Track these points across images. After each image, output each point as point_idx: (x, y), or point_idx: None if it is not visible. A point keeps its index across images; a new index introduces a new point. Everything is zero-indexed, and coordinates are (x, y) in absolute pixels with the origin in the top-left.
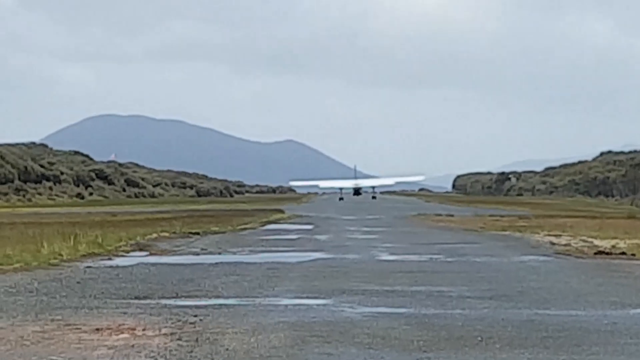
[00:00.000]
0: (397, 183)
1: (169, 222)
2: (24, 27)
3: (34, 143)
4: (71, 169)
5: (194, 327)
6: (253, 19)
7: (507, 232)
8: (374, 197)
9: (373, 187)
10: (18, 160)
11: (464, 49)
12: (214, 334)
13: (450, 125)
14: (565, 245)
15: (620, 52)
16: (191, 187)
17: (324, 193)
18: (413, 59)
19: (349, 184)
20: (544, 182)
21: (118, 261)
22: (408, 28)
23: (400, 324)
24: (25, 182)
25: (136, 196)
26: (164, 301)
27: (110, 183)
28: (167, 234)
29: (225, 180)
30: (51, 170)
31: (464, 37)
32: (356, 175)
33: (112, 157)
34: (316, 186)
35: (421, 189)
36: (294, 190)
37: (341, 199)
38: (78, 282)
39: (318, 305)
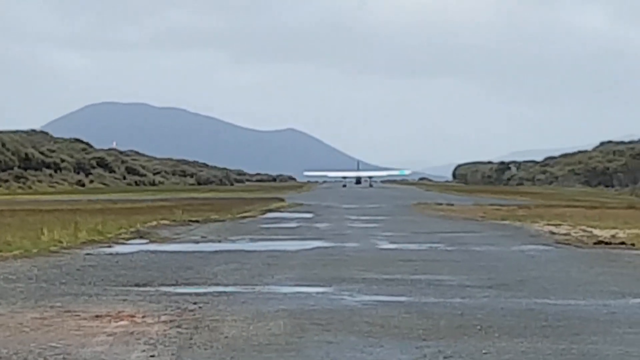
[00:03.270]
0: (388, 175)
1: (169, 210)
2: (22, 14)
3: (34, 130)
4: (71, 157)
5: (194, 314)
6: (252, 7)
7: (507, 222)
8: (370, 185)
9: (370, 177)
10: (18, 147)
11: (464, 37)
12: (214, 322)
13: (450, 115)
14: (565, 234)
15: (621, 41)
16: (191, 176)
17: (324, 182)
18: (413, 47)
19: (352, 174)
20: (544, 172)
21: (118, 249)
22: (407, 17)
23: (399, 313)
24: (25, 169)
25: (136, 184)
26: (163, 288)
27: (111, 171)
28: (167, 222)
29: (226, 169)
30: (51, 157)
31: (464, 26)
32: (359, 167)
33: (113, 145)
34: (325, 176)
35: (421, 178)
36: (294, 179)
37: (344, 186)
38: (78, 270)
39: (317, 293)
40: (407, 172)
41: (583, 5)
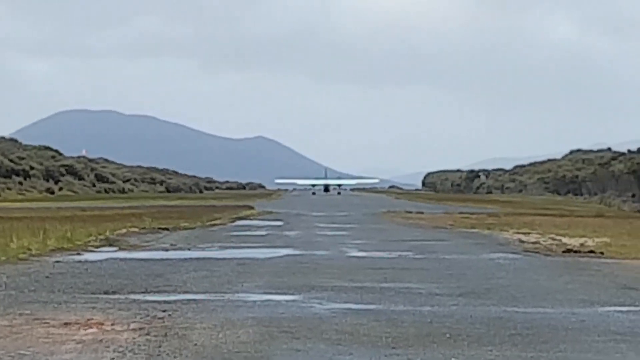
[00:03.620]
0: (357, 183)
1: (139, 217)
2: None
3: (3, 138)
4: (41, 164)
5: (163, 322)
6: (221, 14)
7: (476, 230)
8: (339, 193)
9: (339, 185)
10: None
11: (434, 45)
12: (183, 329)
13: (420, 123)
14: (534, 243)
15: (590, 50)
16: (161, 183)
17: (294, 189)
18: (383, 55)
19: (321, 182)
20: (513, 180)
21: (87, 256)
22: (377, 24)
23: (368, 321)
24: None
25: (106, 191)
26: (132, 296)
27: (80, 178)
28: (136, 230)
29: (195, 176)
30: (21, 165)
31: (433, 34)
32: (327, 174)
33: (83, 153)
34: (295, 184)
35: (391, 186)
36: (264, 187)
37: (314, 193)
38: (47, 277)
39: (287, 301)
40: (375, 180)
41: (553, 14)
